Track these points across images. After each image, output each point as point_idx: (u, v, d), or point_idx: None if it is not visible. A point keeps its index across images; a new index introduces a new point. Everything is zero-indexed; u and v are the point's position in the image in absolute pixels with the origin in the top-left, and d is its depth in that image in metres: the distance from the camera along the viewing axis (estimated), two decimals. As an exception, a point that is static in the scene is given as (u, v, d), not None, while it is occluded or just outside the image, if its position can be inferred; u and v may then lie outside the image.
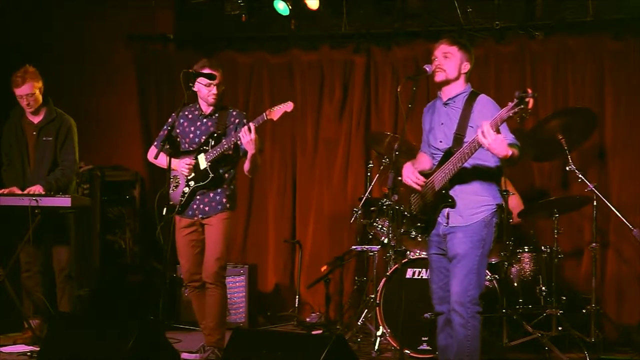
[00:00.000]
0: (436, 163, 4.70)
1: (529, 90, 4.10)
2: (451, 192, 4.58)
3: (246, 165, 5.59)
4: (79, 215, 6.48)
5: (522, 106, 4.10)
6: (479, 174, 4.59)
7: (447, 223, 4.60)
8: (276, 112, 5.46)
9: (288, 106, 5.47)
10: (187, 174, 5.62)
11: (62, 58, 7.87)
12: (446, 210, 4.60)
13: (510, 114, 4.17)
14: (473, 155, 4.46)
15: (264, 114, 5.47)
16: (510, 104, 4.18)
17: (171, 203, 5.59)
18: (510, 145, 4.36)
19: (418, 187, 4.64)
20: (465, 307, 4.53)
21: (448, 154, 4.57)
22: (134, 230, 7.76)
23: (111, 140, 8.01)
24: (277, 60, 7.94)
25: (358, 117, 7.72)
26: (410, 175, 4.64)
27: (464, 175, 4.57)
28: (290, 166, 7.94)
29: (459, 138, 4.55)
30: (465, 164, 4.50)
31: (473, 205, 4.58)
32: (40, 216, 5.94)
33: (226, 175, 5.69)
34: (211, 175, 5.60)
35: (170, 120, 5.70)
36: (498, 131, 4.25)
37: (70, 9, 7.84)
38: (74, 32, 7.96)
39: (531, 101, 4.08)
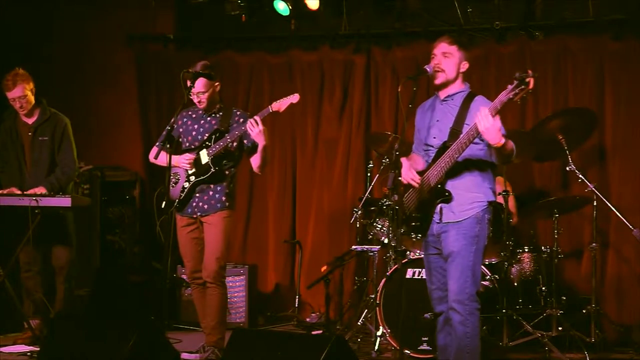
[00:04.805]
0: (429, 160, 4.71)
1: (529, 71, 4.12)
2: (447, 188, 4.59)
3: (256, 160, 5.60)
4: (79, 215, 6.48)
5: (522, 87, 4.13)
6: (472, 170, 4.60)
7: (440, 219, 4.61)
8: (282, 104, 5.49)
9: (294, 97, 5.50)
10: (188, 168, 5.62)
11: (62, 58, 7.87)
12: (440, 206, 4.61)
13: (511, 96, 4.18)
14: (467, 154, 4.48)
15: (269, 106, 5.50)
16: (510, 86, 4.19)
17: (170, 199, 5.61)
18: (505, 136, 4.37)
19: (415, 184, 4.65)
20: (463, 305, 4.54)
21: (443, 149, 4.58)
22: (134, 230, 7.76)
23: (111, 140, 8.01)
24: (277, 60, 7.94)
25: (358, 117, 7.72)
26: (408, 172, 4.65)
27: (456, 172, 4.58)
28: (290, 166, 7.94)
29: (455, 132, 4.56)
30: (459, 159, 4.51)
31: (465, 201, 4.59)
32: (40, 216, 5.95)
33: (227, 172, 5.70)
34: (212, 169, 5.61)
35: (172, 120, 5.71)
36: (495, 116, 4.27)
37: (70, 9, 7.84)
38: (74, 32, 7.97)
39: (532, 81, 4.10)
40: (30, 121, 6.30)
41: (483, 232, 4.62)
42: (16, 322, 6.44)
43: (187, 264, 5.79)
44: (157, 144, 5.84)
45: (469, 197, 4.60)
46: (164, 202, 5.48)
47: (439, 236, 4.66)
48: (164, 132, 5.76)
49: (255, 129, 5.40)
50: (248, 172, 7.57)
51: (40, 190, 6.07)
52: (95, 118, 7.90)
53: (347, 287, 7.58)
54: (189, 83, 5.38)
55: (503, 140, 4.32)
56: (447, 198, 4.58)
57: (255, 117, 5.43)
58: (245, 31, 7.87)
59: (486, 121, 4.25)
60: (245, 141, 5.63)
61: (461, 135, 4.48)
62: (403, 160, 4.71)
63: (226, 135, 5.59)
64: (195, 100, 5.64)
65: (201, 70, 5.48)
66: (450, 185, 4.60)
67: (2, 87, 6.18)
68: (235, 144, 5.63)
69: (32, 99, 6.25)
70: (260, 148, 5.52)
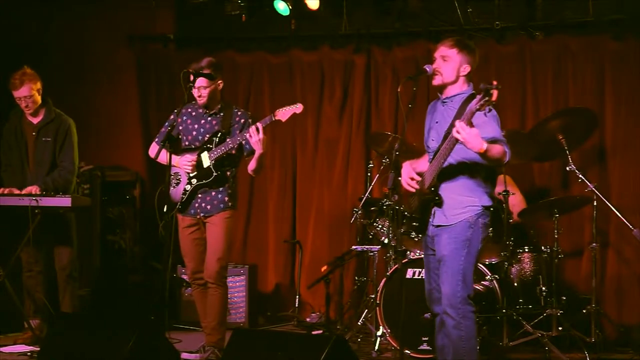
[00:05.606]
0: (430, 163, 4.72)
1: (494, 82, 4.15)
2: (439, 191, 4.59)
3: (252, 165, 5.60)
4: (79, 215, 6.48)
5: (487, 98, 4.16)
6: (465, 174, 4.59)
7: (433, 222, 4.61)
8: (285, 113, 5.47)
9: (297, 108, 5.49)
10: (189, 171, 5.62)
11: (62, 58, 7.87)
12: (434, 209, 4.61)
13: (478, 107, 4.21)
14: (462, 157, 4.49)
15: (272, 114, 5.48)
16: (479, 96, 4.22)
17: (172, 201, 5.60)
18: (492, 141, 4.36)
19: (413, 189, 4.65)
20: (455, 309, 4.52)
21: (437, 153, 4.58)
22: (134, 230, 7.76)
23: (111, 140, 8.01)
24: (277, 60, 7.94)
25: (358, 118, 7.72)
26: (405, 177, 4.66)
27: (449, 175, 4.58)
28: (291, 166, 7.94)
29: (448, 136, 4.56)
30: (452, 161, 4.51)
31: (457, 205, 4.58)
32: (41, 216, 5.95)
33: (228, 173, 5.69)
34: (215, 173, 5.60)
35: (171, 117, 5.71)
36: (471, 124, 4.26)
37: (70, 9, 7.83)
38: (74, 32, 7.97)
39: (495, 93, 4.14)
40: (35, 121, 6.31)
41: (476, 237, 4.59)
42: (16, 322, 6.45)
43: (188, 264, 5.79)
44: (156, 140, 5.83)
45: (462, 200, 4.58)
46: (165, 207, 5.44)
47: (433, 238, 4.67)
48: (164, 130, 5.75)
49: (255, 137, 5.38)
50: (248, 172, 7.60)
51: (34, 189, 6.07)
52: (96, 118, 7.90)
53: (347, 287, 7.59)
54: (191, 77, 5.39)
55: (485, 146, 4.30)
56: (438, 202, 4.59)
57: (257, 125, 5.40)
58: (246, 31, 7.87)
59: (463, 133, 4.25)
60: (243, 142, 5.62)
61: (445, 142, 4.48)
62: (404, 164, 4.71)
63: (227, 139, 5.58)
64: (196, 95, 5.61)
65: (205, 66, 5.52)
66: (443, 189, 4.59)
67: (9, 85, 6.19)
68: (237, 146, 5.62)
69: (38, 98, 6.25)
70: (256, 155, 5.50)
